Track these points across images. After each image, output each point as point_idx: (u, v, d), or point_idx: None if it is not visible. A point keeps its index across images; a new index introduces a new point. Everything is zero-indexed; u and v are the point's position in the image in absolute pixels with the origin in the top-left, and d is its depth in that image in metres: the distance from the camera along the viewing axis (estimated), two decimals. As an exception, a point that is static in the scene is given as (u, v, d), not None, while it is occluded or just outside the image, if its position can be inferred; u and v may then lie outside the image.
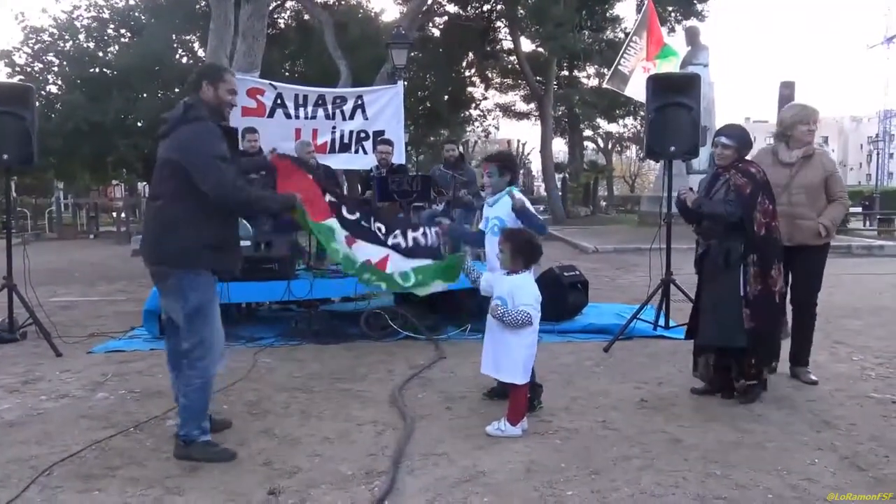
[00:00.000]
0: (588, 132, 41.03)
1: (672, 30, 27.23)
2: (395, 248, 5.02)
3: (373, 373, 5.39)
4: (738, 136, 4.60)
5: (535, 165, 35.88)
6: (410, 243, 5.08)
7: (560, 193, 31.42)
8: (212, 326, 3.72)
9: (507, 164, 4.65)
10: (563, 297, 7.07)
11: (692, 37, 19.28)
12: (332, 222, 4.63)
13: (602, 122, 38.17)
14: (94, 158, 24.86)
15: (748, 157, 4.70)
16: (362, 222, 4.91)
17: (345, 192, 10.83)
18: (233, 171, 3.71)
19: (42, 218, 25.92)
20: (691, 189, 4.77)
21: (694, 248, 4.84)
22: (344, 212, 4.78)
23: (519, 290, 3.99)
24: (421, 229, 5.23)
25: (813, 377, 4.96)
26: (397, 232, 5.12)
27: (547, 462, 3.58)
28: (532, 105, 34.40)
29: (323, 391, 4.92)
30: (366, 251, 4.86)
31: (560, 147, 44.78)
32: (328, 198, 4.73)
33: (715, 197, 4.53)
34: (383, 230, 5.05)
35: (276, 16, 26.30)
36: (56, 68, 25.04)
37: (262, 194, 4.12)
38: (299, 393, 4.88)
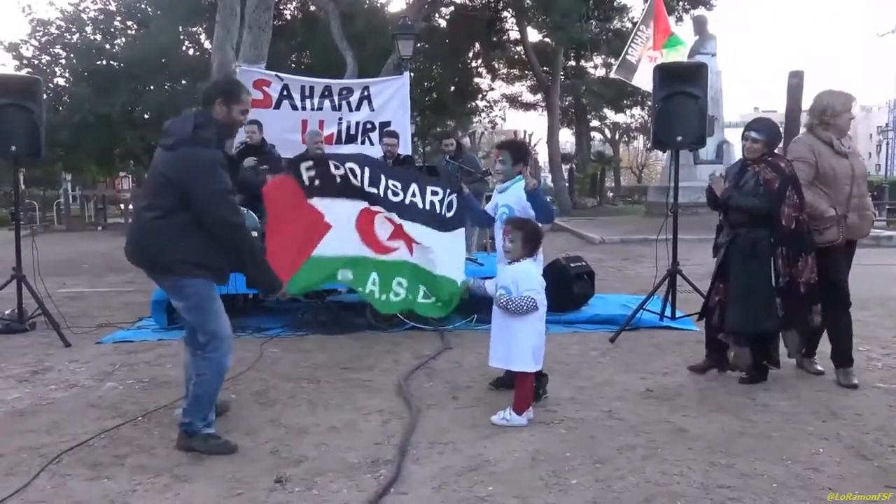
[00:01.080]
0: (595, 123, 40.85)
1: (680, 19, 27.04)
2: (412, 209, 4.82)
3: (379, 363, 5.41)
4: (768, 130, 4.61)
5: (542, 156, 35.71)
6: (428, 206, 4.87)
7: (567, 184, 31.35)
8: (217, 319, 3.71)
9: (520, 151, 4.66)
10: (569, 288, 7.08)
11: (700, 26, 19.19)
12: (331, 239, 4.66)
13: (609, 113, 37.95)
14: (101, 150, 24.87)
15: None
16: (374, 189, 4.82)
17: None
18: (236, 204, 3.68)
19: (50, 210, 26.04)
20: (722, 176, 4.79)
21: (714, 236, 4.91)
22: (351, 178, 4.73)
23: (522, 278, 4.01)
24: (440, 194, 4.93)
25: (819, 367, 4.96)
26: (414, 188, 4.90)
27: (552, 451, 3.60)
28: (539, 96, 34.26)
29: (330, 381, 4.95)
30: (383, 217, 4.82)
31: (567, 138, 44.71)
32: (337, 180, 4.73)
33: (744, 189, 4.57)
34: (399, 187, 4.92)
35: (282, 7, 26.25)
36: (63, 61, 25.03)
37: (263, 258, 3.93)
38: (306, 383, 4.91)
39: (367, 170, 4.81)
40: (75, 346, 6.03)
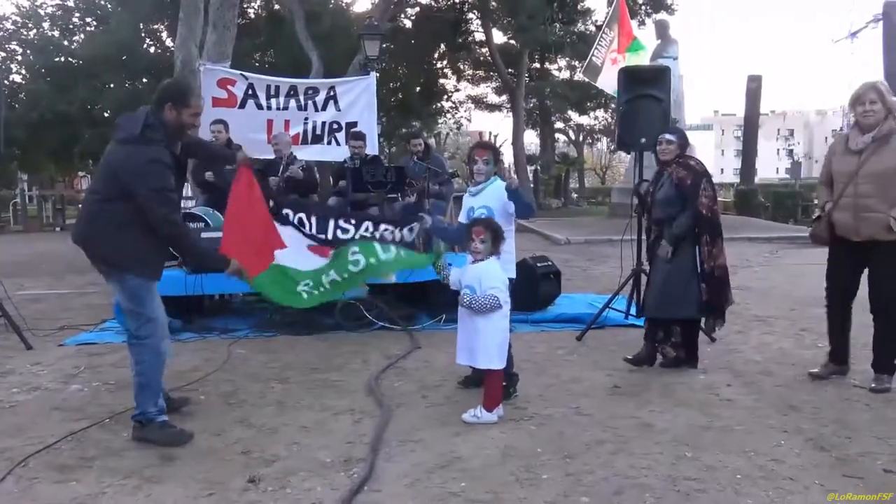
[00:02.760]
0: (559, 124, 41.28)
1: (642, 23, 27.48)
2: (363, 240, 5.23)
3: (348, 363, 5.41)
4: (680, 134, 5.21)
5: (507, 158, 35.94)
6: (378, 236, 5.24)
7: (532, 185, 31.58)
8: (152, 305, 3.84)
9: (497, 152, 4.76)
10: (536, 288, 7.15)
11: (662, 30, 19.47)
12: (285, 255, 4.75)
13: (573, 115, 38.42)
14: (59, 149, 24.43)
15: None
16: (322, 235, 5.24)
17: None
18: (178, 207, 3.90)
19: (6, 210, 25.39)
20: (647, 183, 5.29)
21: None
22: (307, 227, 5.16)
23: (486, 276, 4.05)
24: (392, 226, 5.38)
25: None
26: (367, 224, 5.32)
27: (522, 447, 3.65)
28: (504, 97, 34.53)
29: (299, 381, 4.94)
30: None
31: (532, 139, 44.98)
32: (286, 212, 4.94)
33: (661, 190, 5.05)
34: (352, 223, 5.22)
35: (246, 5, 25.98)
36: (19, 57, 24.53)
37: (202, 245, 4.26)
38: (275, 383, 4.89)
39: (314, 220, 5.23)
40: (37, 349, 5.92)
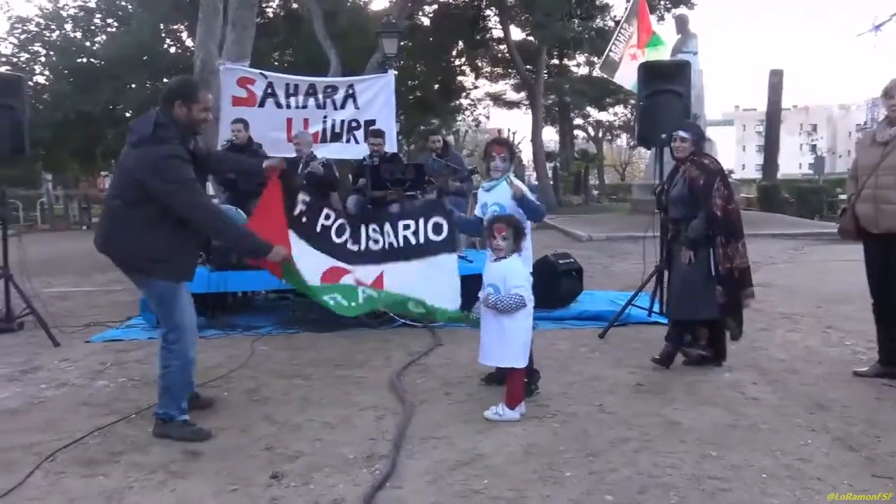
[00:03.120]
0: (579, 121, 41.10)
1: (661, 18, 27.23)
2: (391, 253, 4.99)
3: (371, 360, 5.43)
4: (694, 130, 5.05)
5: (527, 155, 35.82)
6: (402, 242, 5.01)
7: (552, 182, 31.46)
8: (181, 313, 3.85)
9: (512, 149, 4.76)
10: (557, 285, 7.12)
11: (681, 25, 19.27)
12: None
13: (592, 111, 38.24)
14: (83, 149, 24.67)
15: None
16: (356, 247, 4.95)
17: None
18: (205, 194, 3.89)
19: (34, 209, 25.74)
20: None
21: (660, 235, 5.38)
22: (333, 235, 4.84)
23: (510, 274, 4.03)
24: (413, 221, 5.12)
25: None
26: (388, 228, 5.04)
27: (545, 445, 3.64)
28: (522, 94, 34.41)
29: (322, 378, 4.96)
30: (358, 274, 4.83)
31: (551, 136, 44.82)
32: (318, 229, 4.78)
33: (676, 188, 4.99)
34: (378, 230, 5.02)
35: (264, 5, 26.10)
36: (43, 58, 24.77)
37: (242, 229, 4.10)
38: (298, 380, 4.91)
39: (348, 228, 4.94)
40: (64, 346, 6.00)
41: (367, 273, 4.86)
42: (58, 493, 3.15)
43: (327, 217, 4.90)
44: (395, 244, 5.03)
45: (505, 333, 4.02)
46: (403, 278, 4.82)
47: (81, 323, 6.94)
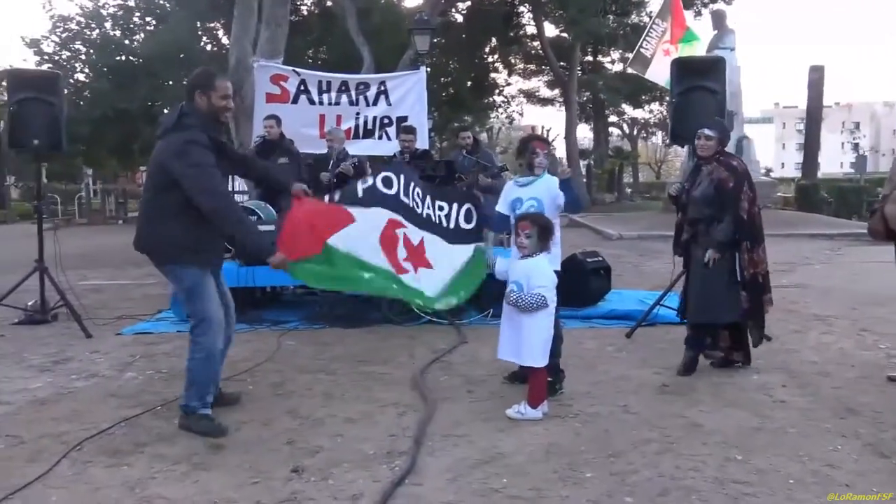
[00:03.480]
0: (613, 118, 40.71)
1: (699, 13, 26.89)
2: (428, 221, 4.81)
3: (395, 356, 5.44)
4: (720, 128, 4.93)
5: (560, 152, 35.62)
6: (436, 220, 4.86)
7: (585, 180, 31.24)
8: (207, 305, 3.89)
9: (550, 147, 4.85)
10: (585, 283, 7.07)
11: (718, 20, 18.98)
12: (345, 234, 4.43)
13: (627, 108, 37.84)
14: (120, 145, 25.17)
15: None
16: (406, 199, 4.72)
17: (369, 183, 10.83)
18: (222, 182, 3.91)
19: (72, 204, 26.35)
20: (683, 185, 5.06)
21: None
22: (386, 197, 4.65)
23: (535, 273, 4.00)
24: (447, 204, 4.98)
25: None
26: (428, 201, 4.87)
27: (566, 445, 3.61)
28: (556, 91, 34.20)
29: (346, 374, 4.98)
30: (409, 231, 4.67)
31: (585, 133, 44.51)
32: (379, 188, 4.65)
33: (699, 188, 4.82)
34: (419, 196, 4.82)
35: (298, 3, 26.33)
36: (83, 56, 25.28)
37: (251, 225, 4.13)
38: (323, 375, 4.94)
39: (401, 177, 4.77)
40: (96, 337, 6.12)
41: (414, 233, 4.73)
42: (82, 482, 3.21)
43: (375, 176, 4.80)
44: (432, 218, 4.90)
45: (524, 331, 3.99)
46: (437, 254, 4.73)
47: (114, 315, 7.08)
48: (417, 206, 4.78)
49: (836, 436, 3.70)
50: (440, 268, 4.65)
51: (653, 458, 3.42)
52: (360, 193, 4.63)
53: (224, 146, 4.08)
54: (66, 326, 6.49)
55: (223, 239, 4.25)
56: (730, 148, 16.29)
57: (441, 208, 4.90)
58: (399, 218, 4.64)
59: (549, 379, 4.28)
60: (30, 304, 6.82)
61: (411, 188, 4.78)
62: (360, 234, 4.48)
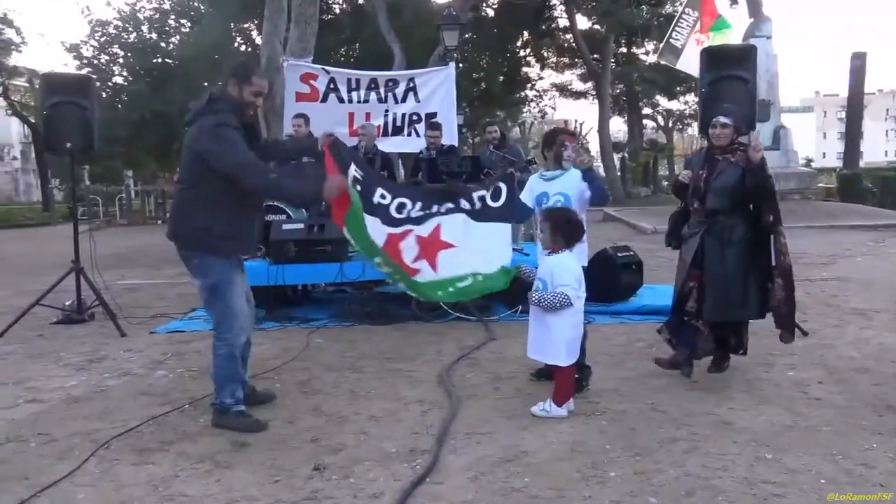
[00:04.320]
0: (647, 110, 40.16)
1: (735, 1, 26.34)
2: (452, 210, 4.64)
3: (422, 353, 5.43)
4: (736, 116, 4.68)
5: (593, 146, 35.25)
6: (478, 204, 4.67)
7: (619, 174, 30.88)
8: (229, 303, 3.90)
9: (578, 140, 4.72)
10: (616, 278, 6.97)
11: (755, 8, 18.54)
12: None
13: (662, 100, 37.28)
14: (159, 146, 25.61)
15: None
16: (412, 210, 4.61)
17: (401, 178, 10.80)
18: (253, 154, 3.80)
19: (113, 205, 26.88)
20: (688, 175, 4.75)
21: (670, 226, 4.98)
22: (393, 211, 4.56)
23: (558, 270, 3.93)
24: (488, 189, 4.76)
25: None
26: (462, 201, 4.68)
27: (591, 443, 3.55)
28: (589, 84, 33.82)
29: (372, 371, 4.98)
30: (418, 230, 4.54)
31: (619, 126, 44.00)
32: (375, 202, 4.58)
33: (720, 178, 4.48)
34: (444, 205, 4.73)
35: (331, 1, 26.49)
36: (121, 60, 25.78)
37: (287, 180, 3.95)
38: (349, 372, 4.95)
39: (418, 203, 4.63)
40: (130, 336, 6.22)
41: (425, 228, 4.60)
42: (108, 479, 3.26)
43: (382, 196, 4.72)
44: (463, 205, 4.68)
45: (549, 330, 3.94)
46: (457, 232, 4.57)
47: (148, 314, 7.19)
48: (440, 207, 4.64)
49: (872, 434, 3.58)
50: (463, 246, 4.51)
51: (680, 457, 3.35)
52: (371, 203, 4.52)
53: (253, 129, 4.05)
54: (101, 325, 6.61)
55: (255, 232, 4.23)
56: (765, 138, 16.10)
57: (477, 191, 4.73)
58: (399, 230, 4.52)
59: (576, 376, 4.23)
60: (67, 303, 6.97)
61: (433, 206, 4.64)
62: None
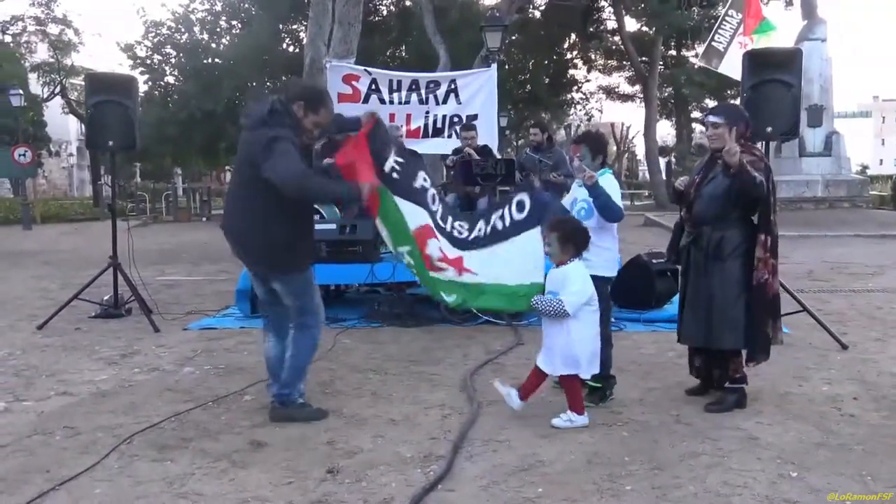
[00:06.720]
0: (696, 114, 39.44)
1: (790, 2, 25.70)
2: (474, 243, 4.54)
3: (448, 356, 5.40)
4: (727, 112, 4.20)
5: (640, 149, 34.78)
6: (490, 231, 4.52)
7: (665, 178, 30.39)
8: (317, 296, 4.08)
9: (597, 144, 4.43)
10: (650, 285, 6.72)
11: (808, 9, 18.11)
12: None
13: (711, 103, 36.54)
14: (207, 145, 26.15)
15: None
16: (443, 224, 4.53)
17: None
18: (301, 165, 3.78)
19: (160, 201, 27.54)
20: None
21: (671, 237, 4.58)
22: (428, 199, 4.47)
23: (567, 281, 3.83)
24: (507, 209, 4.55)
25: None
26: (481, 225, 4.59)
27: (610, 454, 3.47)
28: (637, 87, 33.39)
29: (396, 373, 4.97)
30: (443, 244, 4.45)
31: (667, 130, 43.31)
32: (416, 185, 4.48)
33: (711, 183, 4.09)
34: (465, 228, 4.69)
35: (378, 2, 26.69)
36: (173, 60, 26.40)
37: (331, 186, 4.02)
38: (373, 374, 4.95)
39: (441, 206, 4.59)
40: (164, 332, 6.33)
41: (449, 250, 4.61)
42: (126, 475, 3.30)
43: (425, 180, 4.67)
44: (483, 232, 4.56)
45: (546, 338, 3.90)
46: (483, 260, 4.46)
47: (184, 310, 7.31)
48: (459, 234, 4.54)
49: (907, 455, 3.43)
50: (485, 274, 4.41)
51: (700, 473, 3.25)
52: (412, 187, 4.48)
53: (308, 151, 4.07)
54: (137, 321, 6.74)
55: (311, 242, 4.22)
56: (817, 144, 15.61)
57: (500, 216, 4.64)
58: (432, 226, 4.43)
59: (599, 385, 4.16)
60: (105, 298, 7.13)
61: (449, 220, 4.56)
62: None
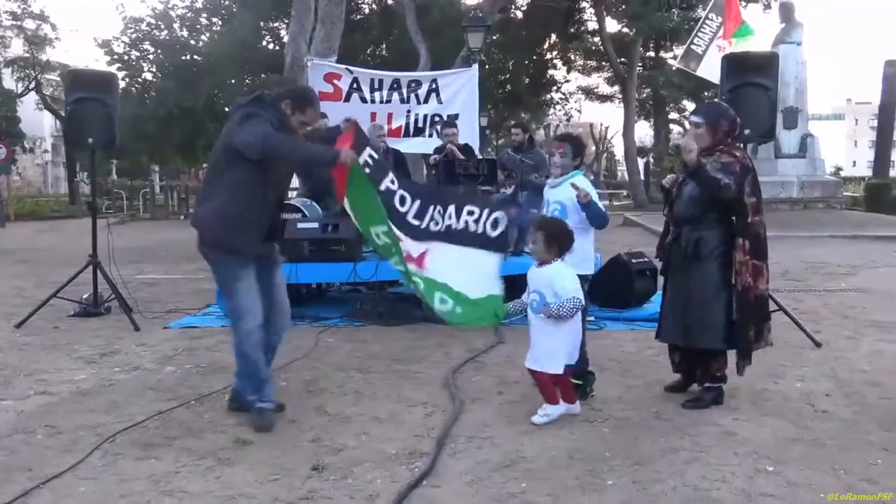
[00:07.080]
0: (674, 115, 39.83)
1: (768, 6, 26.06)
2: (444, 235, 4.50)
3: (431, 355, 5.44)
4: (709, 112, 4.21)
5: (618, 150, 35.06)
6: (462, 226, 4.53)
7: (643, 178, 30.66)
8: (239, 296, 3.88)
9: (579, 145, 4.49)
10: (630, 285, 6.90)
11: (786, 13, 18.37)
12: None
13: (689, 105, 36.90)
14: (185, 142, 25.94)
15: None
16: (417, 222, 4.47)
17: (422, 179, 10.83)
18: (276, 133, 3.75)
19: (137, 199, 27.27)
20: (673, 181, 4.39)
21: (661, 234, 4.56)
22: (396, 201, 4.39)
23: (560, 279, 3.87)
24: (479, 210, 4.61)
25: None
26: (451, 210, 4.56)
27: (591, 450, 3.53)
28: (616, 87, 33.64)
29: (379, 372, 5.00)
30: (407, 245, 4.39)
31: (645, 130, 43.67)
32: (382, 188, 4.51)
33: (690, 185, 4.10)
34: (441, 212, 4.70)
35: (360, 1, 26.62)
36: (151, 56, 26.17)
37: (304, 147, 3.96)
38: (356, 373, 4.97)
39: (417, 202, 4.49)
40: (144, 331, 6.30)
41: (414, 246, 4.62)
42: (110, 473, 3.30)
43: (392, 182, 4.66)
44: (454, 227, 4.56)
45: (552, 339, 3.92)
46: (445, 259, 4.44)
47: (164, 309, 7.27)
48: (435, 225, 4.50)
49: (878, 449, 3.52)
50: (444, 276, 4.36)
51: (680, 467, 3.32)
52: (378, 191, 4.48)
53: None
54: (117, 319, 6.70)
55: (276, 228, 4.16)
56: (792, 146, 15.80)
57: (471, 213, 4.65)
58: (400, 233, 4.36)
59: (580, 382, 4.21)
60: (84, 296, 7.08)
61: (428, 211, 4.49)
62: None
